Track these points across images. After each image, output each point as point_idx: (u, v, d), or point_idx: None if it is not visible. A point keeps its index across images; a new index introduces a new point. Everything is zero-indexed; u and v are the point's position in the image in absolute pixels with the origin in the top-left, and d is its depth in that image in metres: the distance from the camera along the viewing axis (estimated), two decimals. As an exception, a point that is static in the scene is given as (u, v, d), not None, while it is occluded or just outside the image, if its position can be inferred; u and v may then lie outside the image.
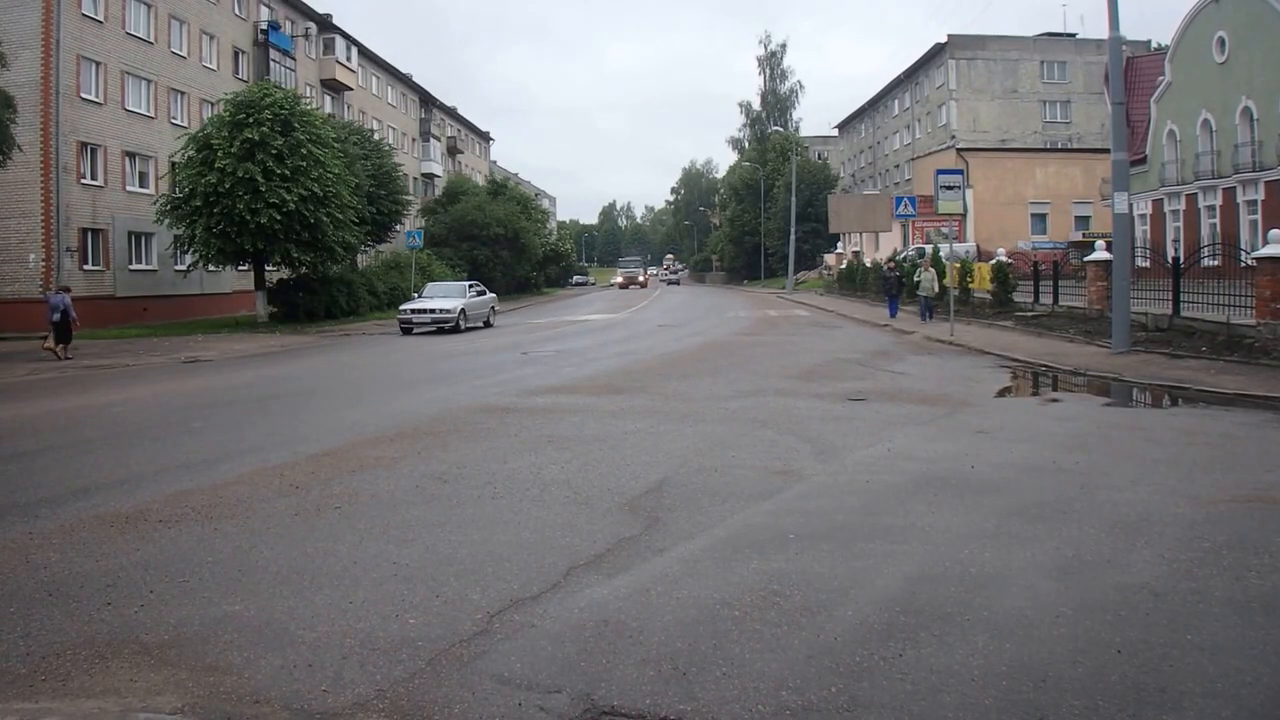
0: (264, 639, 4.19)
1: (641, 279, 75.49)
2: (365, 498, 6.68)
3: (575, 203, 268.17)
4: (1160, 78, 36.76)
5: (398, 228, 43.83)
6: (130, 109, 32.34)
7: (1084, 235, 45.35)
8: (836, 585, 4.71)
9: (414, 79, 64.87)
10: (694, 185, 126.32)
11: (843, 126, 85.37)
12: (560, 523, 5.92)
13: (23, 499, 6.83)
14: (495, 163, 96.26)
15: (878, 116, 75.20)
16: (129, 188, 32.30)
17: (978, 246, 40.69)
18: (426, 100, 67.51)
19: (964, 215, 25.37)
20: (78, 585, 4.93)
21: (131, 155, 32.46)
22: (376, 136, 45.52)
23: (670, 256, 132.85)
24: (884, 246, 49.59)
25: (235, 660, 3.98)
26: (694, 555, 5.22)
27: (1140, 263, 22.23)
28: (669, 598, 4.58)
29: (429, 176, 65.60)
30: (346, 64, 50.81)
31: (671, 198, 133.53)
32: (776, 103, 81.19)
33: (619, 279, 75.51)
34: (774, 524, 5.80)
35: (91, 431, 10.18)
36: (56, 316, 21.60)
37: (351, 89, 51.81)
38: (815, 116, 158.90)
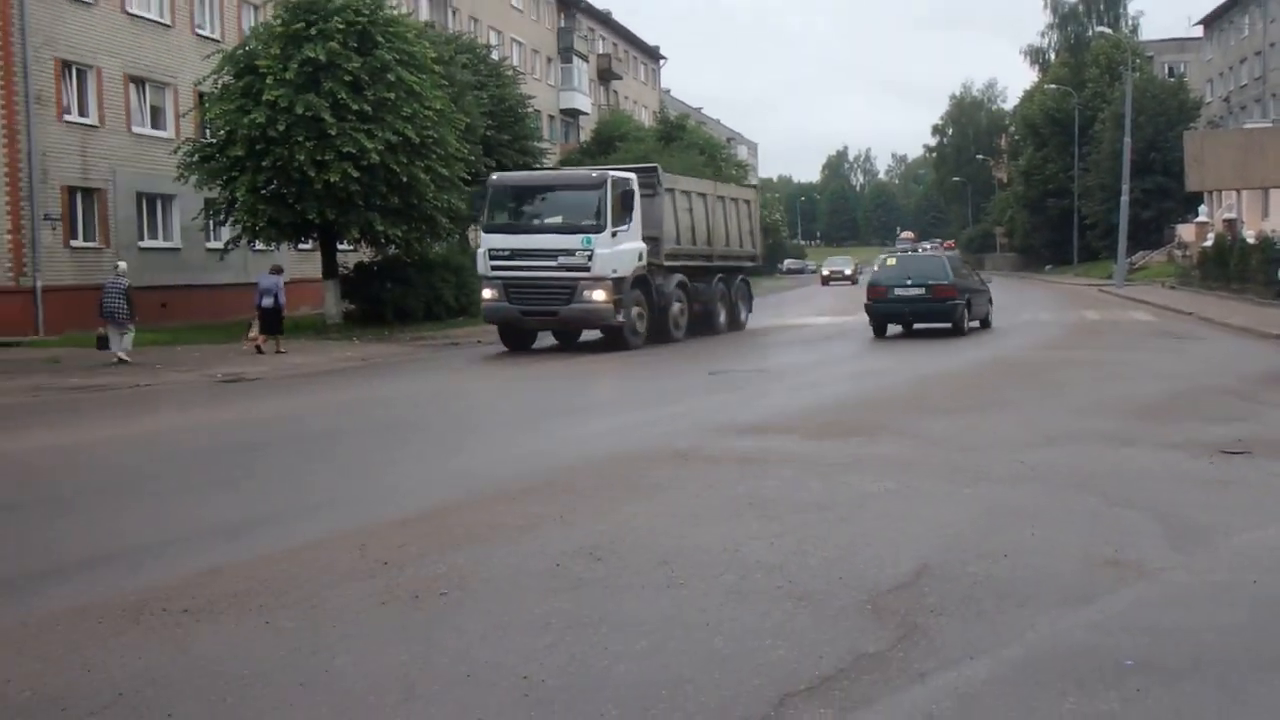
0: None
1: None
2: (477, 581, 6.94)
3: (786, 152, 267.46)
4: None
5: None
6: (134, 12, 32.80)
7: None
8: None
9: (549, -31, 66.68)
10: (968, 121, 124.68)
11: (1210, 23, 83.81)
12: (769, 627, 5.98)
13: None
14: (668, 93, 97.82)
15: (1272, 1, 71.81)
16: (136, 129, 33.14)
17: None
18: (568, 2, 69.16)
19: None
20: (56, 708, 5.11)
21: (139, 81, 33.37)
22: (496, 55, 46.81)
23: (908, 234, 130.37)
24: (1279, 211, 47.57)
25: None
26: (973, 686, 5.17)
27: None
28: (938, 751, 4.54)
29: (571, 114, 67.45)
30: (452, -51, 52.69)
31: (933, 142, 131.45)
32: (1103, -10, 79.73)
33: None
34: (1100, 645, 5.69)
35: (75, 481, 10.92)
36: (268, 301, 24.46)
37: (459, -16, 53.65)
38: (1164, 9, 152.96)
